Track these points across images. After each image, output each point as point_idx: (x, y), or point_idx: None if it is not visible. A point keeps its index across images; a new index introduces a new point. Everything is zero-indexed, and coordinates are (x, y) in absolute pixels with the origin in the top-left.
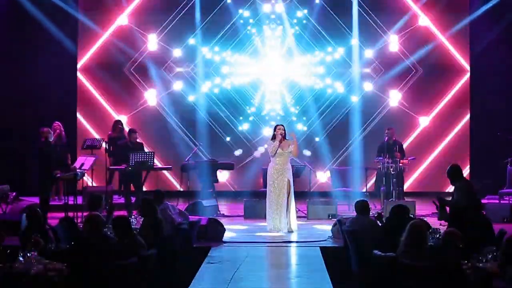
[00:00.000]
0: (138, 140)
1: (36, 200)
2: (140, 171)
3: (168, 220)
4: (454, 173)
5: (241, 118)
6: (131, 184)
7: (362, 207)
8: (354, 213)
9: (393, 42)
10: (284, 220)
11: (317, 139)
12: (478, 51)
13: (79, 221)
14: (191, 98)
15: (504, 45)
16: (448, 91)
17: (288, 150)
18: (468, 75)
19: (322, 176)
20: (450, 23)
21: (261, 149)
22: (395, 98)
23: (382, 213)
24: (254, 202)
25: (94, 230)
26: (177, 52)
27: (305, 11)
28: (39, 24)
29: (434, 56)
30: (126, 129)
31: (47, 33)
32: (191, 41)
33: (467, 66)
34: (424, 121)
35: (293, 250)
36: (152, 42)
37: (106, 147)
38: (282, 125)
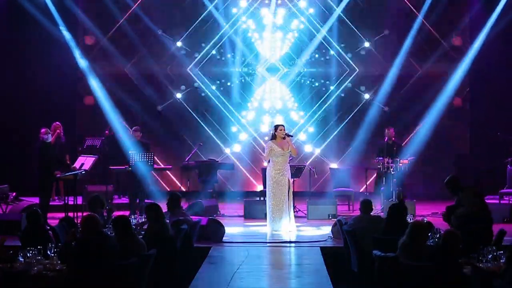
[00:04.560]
0: (144, 140)
1: (36, 200)
2: (141, 171)
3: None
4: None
5: (240, 116)
6: (135, 184)
7: (366, 206)
8: (354, 213)
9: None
10: (285, 220)
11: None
12: (478, 50)
13: (79, 221)
14: (189, 99)
15: (504, 45)
16: (448, 90)
17: (288, 150)
18: (468, 75)
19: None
20: (449, 23)
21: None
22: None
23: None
24: (254, 202)
25: (91, 231)
26: (178, 50)
27: (311, 10)
28: (39, 24)
29: (433, 57)
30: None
31: (47, 33)
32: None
33: (467, 66)
34: (424, 121)
35: (293, 250)
36: (154, 41)
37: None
38: (283, 125)
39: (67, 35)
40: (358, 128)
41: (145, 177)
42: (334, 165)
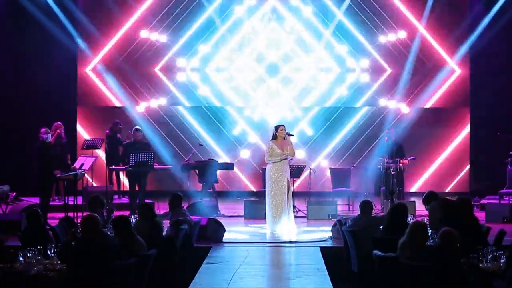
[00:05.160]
0: (144, 140)
1: (36, 200)
2: (141, 171)
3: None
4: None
5: (239, 118)
6: (135, 184)
7: (366, 206)
8: (354, 213)
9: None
10: (284, 220)
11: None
12: (477, 50)
13: (79, 221)
14: (189, 99)
15: (504, 45)
16: (448, 90)
17: (288, 151)
18: (468, 74)
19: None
20: (450, 23)
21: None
22: (395, 99)
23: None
24: (254, 202)
25: (91, 231)
26: (176, 52)
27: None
28: (39, 24)
29: (433, 56)
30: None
31: (47, 33)
32: (190, 40)
33: (467, 66)
34: (424, 121)
35: (293, 250)
36: (153, 42)
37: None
38: (284, 125)
39: (82, 45)
40: (358, 128)
41: (145, 177)
42: (334, 165)
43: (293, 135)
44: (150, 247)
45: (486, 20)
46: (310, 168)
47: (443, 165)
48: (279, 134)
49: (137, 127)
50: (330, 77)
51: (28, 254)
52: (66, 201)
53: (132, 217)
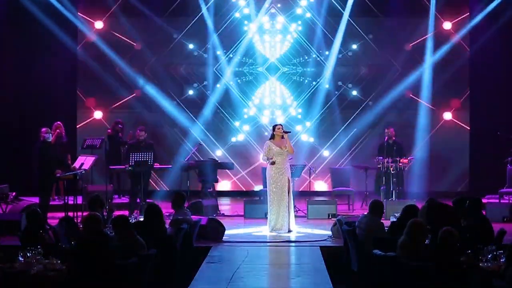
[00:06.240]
0: (148, 139)
1: (36, 200)
2: (141, 171)
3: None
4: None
5: (244, 116)
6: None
7: (375, 208)
8: (354, 213)
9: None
10: (285, 219)
11: (311, 139)
12: (477, 49)
13: (79, 221)
14: (190, 95)
15: (503, 43)
16: (447, 90)
17: (286, 149)
18: (467, 73)
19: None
20: (449, 21)
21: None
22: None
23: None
24: (254, 202)
25: (92, 230)
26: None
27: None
28: (39, 24)
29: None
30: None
31: (47, 33)
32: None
33: (467, 65)
34: (424, 121)
35: (293, 250)
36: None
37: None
38: (281, 125)
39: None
40: (357, 127)
41: (145, 176)
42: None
43: (290, 132)
44: (150, 247)
45: (485, 19)
46: (311, 168)
47: (443, 165)
48: (276, 133)
49: (141, 126)
50: (329, 76)
51: (28, 254)
52: (66, 201)
53: (132, 216)
